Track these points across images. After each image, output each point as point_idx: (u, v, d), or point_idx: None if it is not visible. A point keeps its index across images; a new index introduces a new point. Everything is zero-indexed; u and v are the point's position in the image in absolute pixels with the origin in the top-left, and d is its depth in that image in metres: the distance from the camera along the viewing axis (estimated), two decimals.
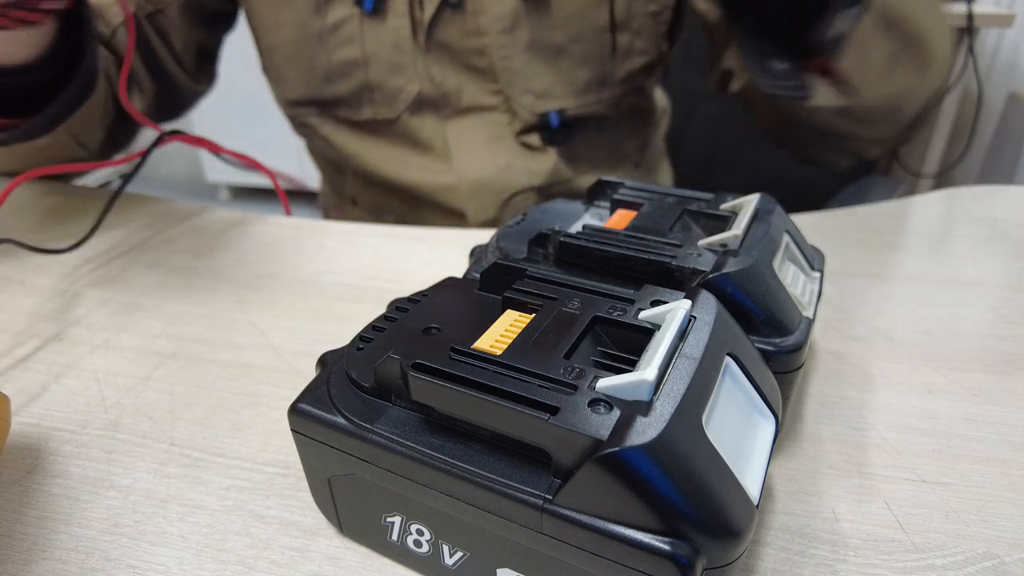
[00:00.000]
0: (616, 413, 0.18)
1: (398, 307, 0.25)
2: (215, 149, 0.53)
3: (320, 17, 0.59)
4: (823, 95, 0.49)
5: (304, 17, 0.59)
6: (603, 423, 0.18)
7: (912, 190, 0.77)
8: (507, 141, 0.62)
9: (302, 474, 0.25)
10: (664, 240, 0.28)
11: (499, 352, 0.21)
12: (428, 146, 0.63)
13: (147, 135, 0.56)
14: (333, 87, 0.61)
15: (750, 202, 0.30)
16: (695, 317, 0.23)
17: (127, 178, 0.49)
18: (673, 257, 0.27)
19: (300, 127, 0.67)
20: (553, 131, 0.62)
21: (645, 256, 0.27)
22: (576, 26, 0.58)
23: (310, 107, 0.64)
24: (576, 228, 0.30)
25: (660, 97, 0.73)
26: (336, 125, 0.64)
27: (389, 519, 0.23)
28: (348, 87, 0.61)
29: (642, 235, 0.28)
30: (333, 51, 0.60)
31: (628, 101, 0.64)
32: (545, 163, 0.62)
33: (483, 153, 0.62)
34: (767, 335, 0.25)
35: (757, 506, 0.20)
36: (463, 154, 0.62)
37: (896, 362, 0.34)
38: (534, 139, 0.62)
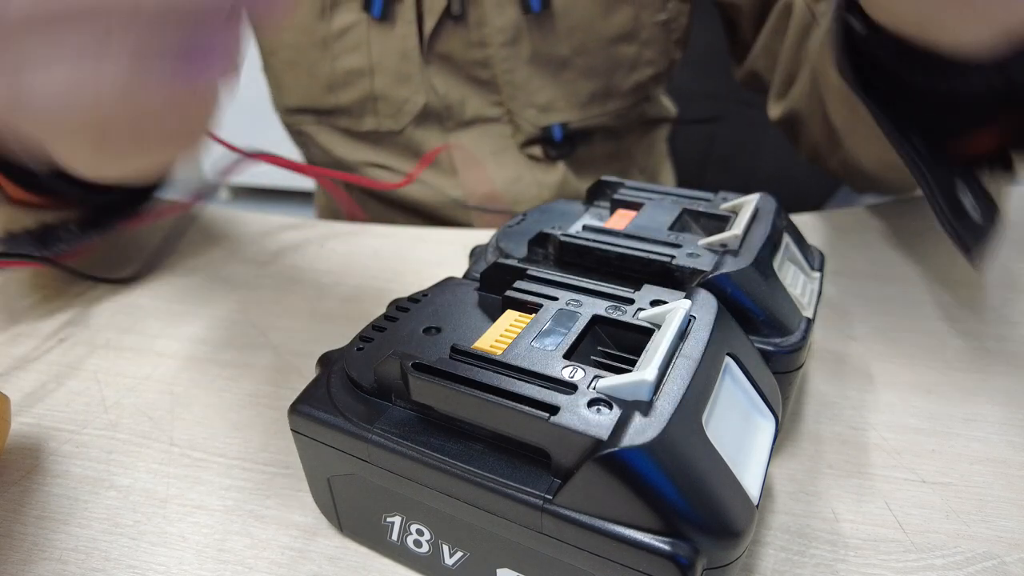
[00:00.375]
0: (616, 413, 0.18)
1: (398, 307, 0.25)
2: (302, 170, 0.51)
3: (325, 22, 0.56)
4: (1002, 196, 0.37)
5: (307, 21, 0.57)
6: (603, 423, 0.18)
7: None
8: (512, 153, 0.61)
9: (302, 474, 0.25)
10: (664, 240, 0.28)
11: (499, 352, 0.21)
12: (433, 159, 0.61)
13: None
14: (335, 96, 0.59)
15: (750, 202, 0.30)
16: (695, 317, 0.23)
17: (206, 195, 0.48)
18: (673, 257, 0.27)
19: (296, 135, 0.66)
20: (557, 144, 0.60)
21: (645, 256, 0.27)
22: (580, 39, 0.56)
23: (308, 115, 0.62)
24: (576, 228, 0.30)
25: (666, 102, 0.72)
26: (335, 134, 0.63)
27: (389, 519, 0.23)
28: (351, 97, 0.59)
29: (642, 235, 0.28)
30: (337, 58, 0.57)
31: (635, 111, 0.62)
32: (553, 175, 0.61)
33: (490, 166, 0.61)
34: (767, 335, 0.25)
35: (757, 506, 0.20)
36: (469, 167, 0.60)
37: (896, 362, 0.34)
38: (538, 151, 0.61)
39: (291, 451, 0.29)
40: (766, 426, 0.23)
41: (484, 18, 0.55)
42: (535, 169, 0.61)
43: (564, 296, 0.24)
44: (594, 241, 0.28)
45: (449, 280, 0.28)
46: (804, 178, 0.93)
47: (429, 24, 0.55)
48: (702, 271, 0.26)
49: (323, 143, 0.63)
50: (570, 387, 0.19)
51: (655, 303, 0.23)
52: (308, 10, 0.57)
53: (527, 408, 0.19)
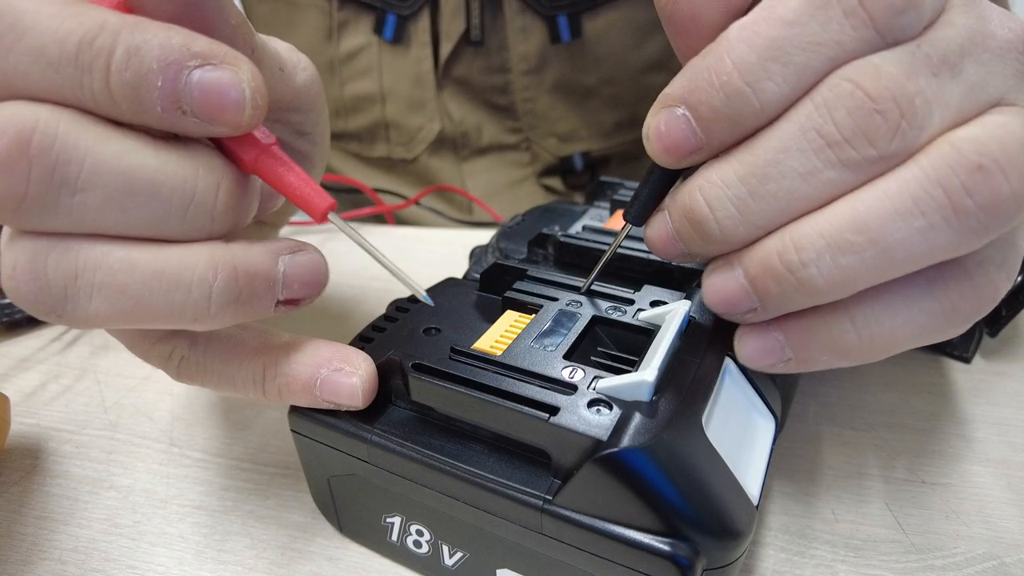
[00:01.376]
0: (616, 414, 0.18)
1: (398, 307, 0.25)
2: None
3: (332, 44, 0.53)
4: None
5: (314, 43, 0.54)
6: (603, 424, 0.18)
7: None
8: (529, 185, 0.58)
9: (302, 474, 0.25)
10: None
11: (499, 352, 0.21)
12: (448, 189, 0.59)
13: None
14: (343, 122, 0.57)
15: None
16: (695, 318, 0.23)
17: None
18: None
19: None
20: (577, 173, 0.58)
21: (645, 256, 0.27)
22: (609, 69, 0.53)
23: None
24: (576, 229, 0.30)
25: None
26: (347, 158, 0.60)
27: (389, 519, 0.23)
28: (361, 123, 0.57)
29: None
30: (346, 83, 0.55)
31: None
32: None
33: (506, 199, 0.58)
34: None
35: (757, 507, 0.20)
36: (486, 201, 0.58)
37: (897, 362, 0.34)
38: (556, 183, 0.59)
39: (291, 451, 0.29)
40: (766, 426, 0.23)
41: (505, 43, 0.52)
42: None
43: (564, 297, 0.24)
44: (594, 241, 0.28)
45: (449, 281, 0.28)
46: None
47: (446, 48, 0.53)
48: (702, 271, 0.26)
49: (333, 165, 0.61)
50: (570, 387, 0.19)
51: (655, 304, 0.23)
52: (315, 30, 0.54)
53: (527, 409, 0.19)
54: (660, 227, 0.20)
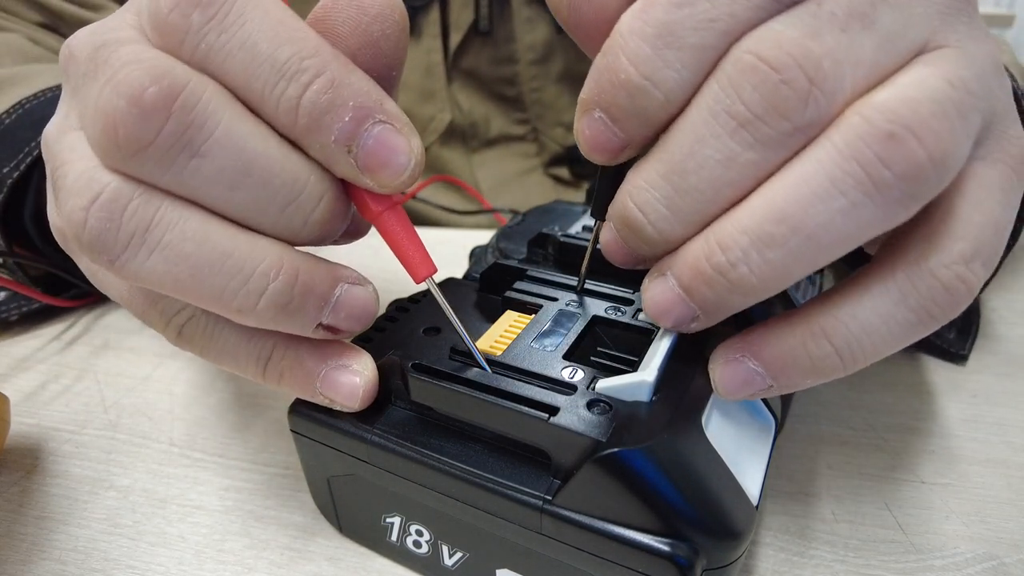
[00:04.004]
0: (616, 414, 0.18)
1: (398, 307, 0.25)
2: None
3: None
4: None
5: None
6: (602, 424, 0.18)
7: None
8: (537, 175, 0.59)
9: (302, 475, 0.25)
10: None
11: (499, 352, 0.21)
12: (448, 180, 0.59)
13: None
14: None
15: None
16: None
17: None
18: None
19: None
20: (584, 163, 0.58)
21: None
22: None
23: None
24: (576, 228, 0.30)
25: None
26: None
27: (389, 519, 0.23)
28: None
29: None
30: None
31: None
32: (580, 198, 0.60)
33: (515, 190, 0.59)
34: None
35: (757, 507, 0.20)
36: (495, 192, 0.58)
37: (897, 362, 0.34)
38: (564, 172, 0.60)
39: (291, 451, 0.29)
40: (766, 427, 0.23)
41: (513, 34, 0.53)
42: (561, 192, 0.60)
43: (564, 297, 0.24)
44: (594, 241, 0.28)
45: (449, 280, 0.28)
46: None
47: (455, 39, 0.54)
48: None
49: None
50: (570, 388, 0.19)
51: None
52: None
53: (527, 409, 0.19)
54: (608, 235, 0.20)
